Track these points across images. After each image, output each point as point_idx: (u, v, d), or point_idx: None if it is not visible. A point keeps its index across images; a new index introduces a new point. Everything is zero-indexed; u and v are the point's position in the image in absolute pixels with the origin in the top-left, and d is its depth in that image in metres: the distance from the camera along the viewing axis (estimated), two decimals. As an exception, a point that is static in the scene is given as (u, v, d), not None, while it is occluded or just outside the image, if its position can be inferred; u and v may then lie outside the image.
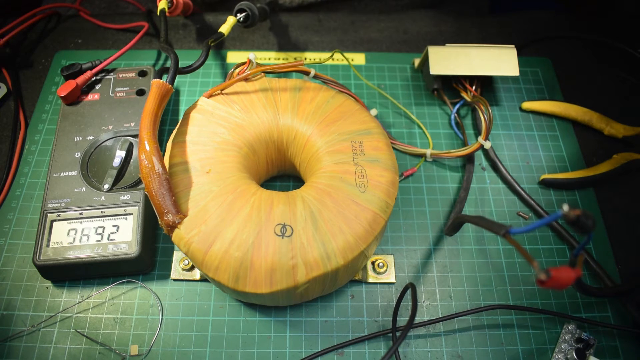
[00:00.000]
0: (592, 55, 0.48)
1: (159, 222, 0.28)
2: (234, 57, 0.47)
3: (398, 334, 0.32)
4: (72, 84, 0.38)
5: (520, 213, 0.38)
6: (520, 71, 0.45)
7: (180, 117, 0.42)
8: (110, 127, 0.37)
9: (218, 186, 0.29)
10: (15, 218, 0.36)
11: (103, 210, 0.33)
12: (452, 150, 0.39)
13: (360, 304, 0.34)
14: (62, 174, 0.35)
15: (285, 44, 0.48)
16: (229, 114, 0.33)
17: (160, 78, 0.31)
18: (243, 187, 0.30)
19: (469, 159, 0.40)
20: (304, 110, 0.33)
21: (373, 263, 0.35)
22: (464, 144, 0.41)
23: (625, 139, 0.41)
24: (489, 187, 0.39)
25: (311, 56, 0.47)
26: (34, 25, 0.48)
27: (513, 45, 0.42)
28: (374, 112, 0.40)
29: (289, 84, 0.35)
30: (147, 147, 0.28)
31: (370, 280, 0.34)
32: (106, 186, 0.34)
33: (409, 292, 0.33)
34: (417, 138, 0.42)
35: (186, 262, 0.34)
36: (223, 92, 0.34)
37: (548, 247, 0.37)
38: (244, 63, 0.37)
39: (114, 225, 0.33)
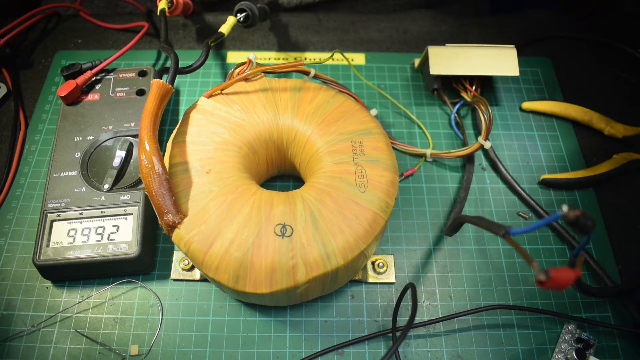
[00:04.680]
0: (592, 55, 0.48)
1: (159, 222, 0.28)
2: (234, 57, 0.47)
3: (398, 334, 0.32)
4: (72, 84, 0.38)
5: (520, 213, 0.38)
6: (520, 71, 0.45)
7: (180, 117, 0.42)
8: (110, 127, 0.37)
9: (218, 186, 0.29)
10: (15, 218, 0.36)
11: (103, 210, 0.33)
12: (452, 150, 0.39)
13: (360, 304, 0.34)
14: (62, 174, 0.35)
15: (285, 44, 0.48)
16: (229, 114, 0.33)
17: (160, 78, 0.31)
18: (243, 187, 0.30)
19: (469, 159, 0.40)
20: (304, 110, 0.33)
21: (373, 263, 0.35)
22: (464, 144, 0.41)
23: (625, 139, 0.41)
24: (489, 187, 0.39)
25: (311, 56, 0.47)
26: (34, 25, 0.48)
27: (513, 45, 0.42)
28: (374, 112, 0.40)
29: (289, 84, 0.35)
30: (147, 147, 0.28)
31: (370, 280, 0.34)
32: (106, 186, 0.34)
33: (409, 292, 0.33)
34: (417, 138, 0.42)
35: (186, 262, 0.34)
36: (223, 92, 0.34)
37: (548, 247, 0.37)
38: (244, 63, 0.37)
39: (114, 225, 0.33)
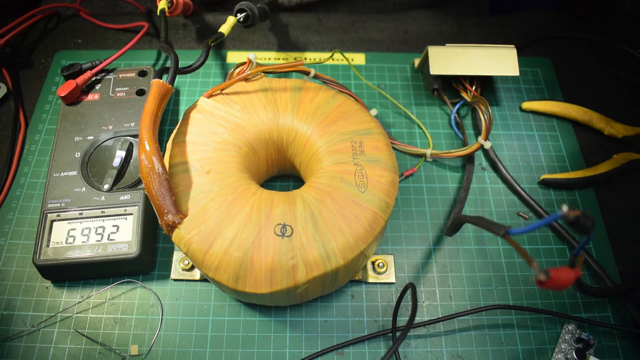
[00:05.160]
0: (592, 55, 0.48)
1: (159, 222, 0.28)
2: (234, 57, 0.47)
3: (398, 334, 0.32)
4: (72, 84, 0.38)
5: (520, 213, 0.38)
6: (520, 71, 0.45)
7: (180, 117, 0.42)
8: (110, 127, 0.37)
9: (218, 186, 0.29)
10: (15, 218, 0.36)
11: (103, 210, 0.33)
12: (452, 150, 0.39)
13: (360, 304, 0.34)
14: (62, 174, 0.35)
15: (285, 44, 0.48)
16: (229, 114, 0.33)
17: (160, 78, 0.31)
18: (243, 187, 0.30)
19: (469, 159, 0.40)
20: (304, 110, 0.33)
21: (373, 263, 0.35)
22: (464, 144, 0.41)
23: (625, 139, 0.41)
24: (489, 187, 0.39)
25: (311, 56, 0.47)
26: (34, 25, 0.48)
27: (513, 45, 0.42)
28: (374, 112, 0.40)
29: (289, 84, 0.35)
30: (147, 147, 0.28)
31: (370, 280, 0.34)
32: (106, 186, 0.34)
33: (409, 292, 0.33)
34: (417, 138, 0.42)
35: (186, 262, 0.34)
36: (223, 92, 0.34)
37: (548, 247, 0.37)
38: (244, 63, 0.37)
39: (114, 225, 0.33)
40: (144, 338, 0.32)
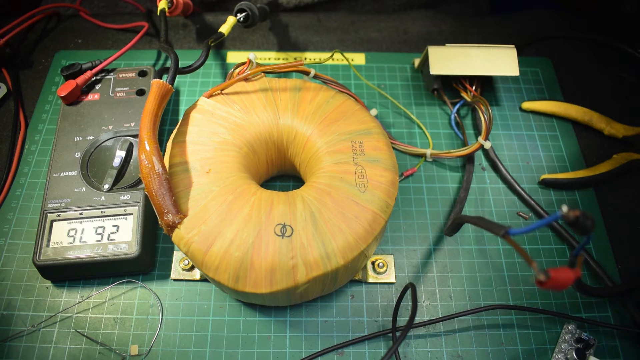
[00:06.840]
0: (592, 55, 0.48)
1: (159, 222, 0.28)
2: (234, 57, 0.47)
3: (398, 334, 0.32)
4: (72, 84, 0.38)
5: (520, 213, 0.38)
6: (520, 71, 0.45)
7: (180, 117, 0.42)
8: (110, 127, 0.37)
9: (218, 186, 0.29)
10: (15, 218, 0.36)
11: (103, 210, 0.33)
12: (452, 150, 0.39)
13: (360, 304, 0.34)
14: (62, 174, 0.35)
15: (285, 44, 0.48)
16: (229, 114, 0.33)
17: (160, 78, 0.31)
18: (243, 187, 0.30)
19: (469, 159, 0.40)
20: (304, 110, 0.33)
21: (373, 263, 0.35)
22: (464, 144, 0.41)
23: (625, 139, 0.41)
24: (489, 187, 0.39)
25: (311, 56, 0.47)
26: (34, 25, 0.48)
27: (513, 45, 0.42)
28: (374, 112, 0.40)
29: (289, 84, 0.35)
30: (147, 147, 0.28)
31: (370, 280, 0.34)
32: (106, 186, 0.34)
33: (409, 292, 0.33)
34: (417, 138, 0.42)
35: (186, 262, 0.34)
36: (223, 92, 0.34)
37: (548, 247, 0.37)
38: (244, 63, 0.37)
39: (114, 225, 0.33)
40: (144, 338, 0.32)
